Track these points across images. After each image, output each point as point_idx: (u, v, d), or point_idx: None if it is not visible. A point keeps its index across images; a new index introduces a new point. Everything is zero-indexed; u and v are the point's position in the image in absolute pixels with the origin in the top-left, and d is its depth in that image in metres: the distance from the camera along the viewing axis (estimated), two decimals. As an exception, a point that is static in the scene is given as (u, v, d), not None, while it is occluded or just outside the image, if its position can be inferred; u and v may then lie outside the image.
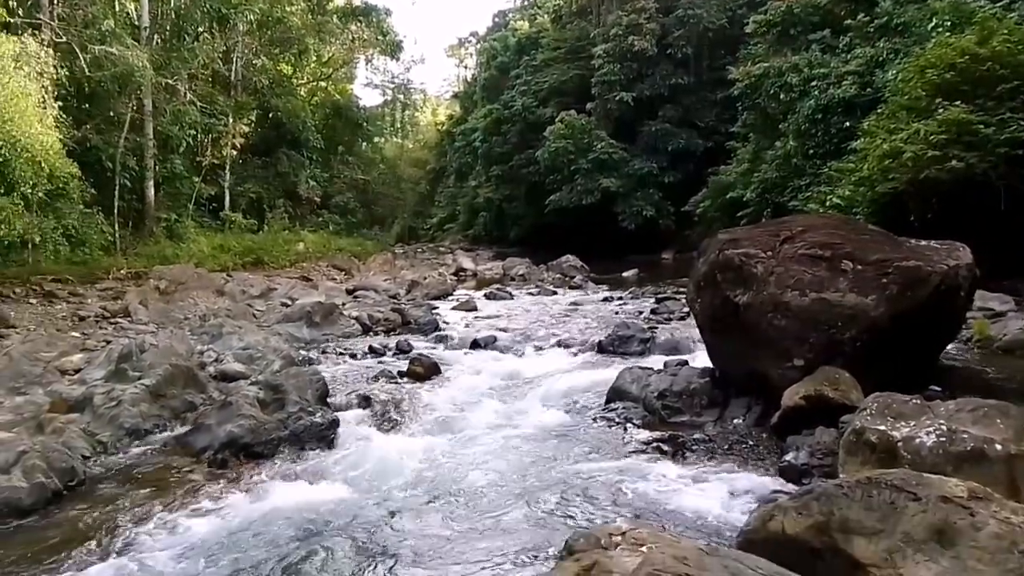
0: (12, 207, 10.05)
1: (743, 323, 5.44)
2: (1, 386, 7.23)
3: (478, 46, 52.32)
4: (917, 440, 3.38)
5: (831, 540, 2.60)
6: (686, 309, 9.45)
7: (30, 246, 11.55)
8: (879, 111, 13.33)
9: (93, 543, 4.12)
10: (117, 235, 15.16)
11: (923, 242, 5.54)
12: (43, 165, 10.57)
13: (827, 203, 12.84)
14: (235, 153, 22.10)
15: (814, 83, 17.42)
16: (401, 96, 46.63)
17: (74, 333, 9.87)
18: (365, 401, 6.95)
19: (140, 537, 4.17)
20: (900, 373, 4.85)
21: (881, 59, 16.04)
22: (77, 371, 7.71)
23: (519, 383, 7.52)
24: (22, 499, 4.66)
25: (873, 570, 2.46)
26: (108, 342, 8.82)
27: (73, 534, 4.27)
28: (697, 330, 6.74)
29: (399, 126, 50.17)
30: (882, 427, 3.54)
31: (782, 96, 18.53)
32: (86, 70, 14.26)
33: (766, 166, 19.14)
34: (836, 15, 19.33)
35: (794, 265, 5.23)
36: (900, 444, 3.40)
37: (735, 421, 5.54)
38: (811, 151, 17.21)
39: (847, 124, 15.86)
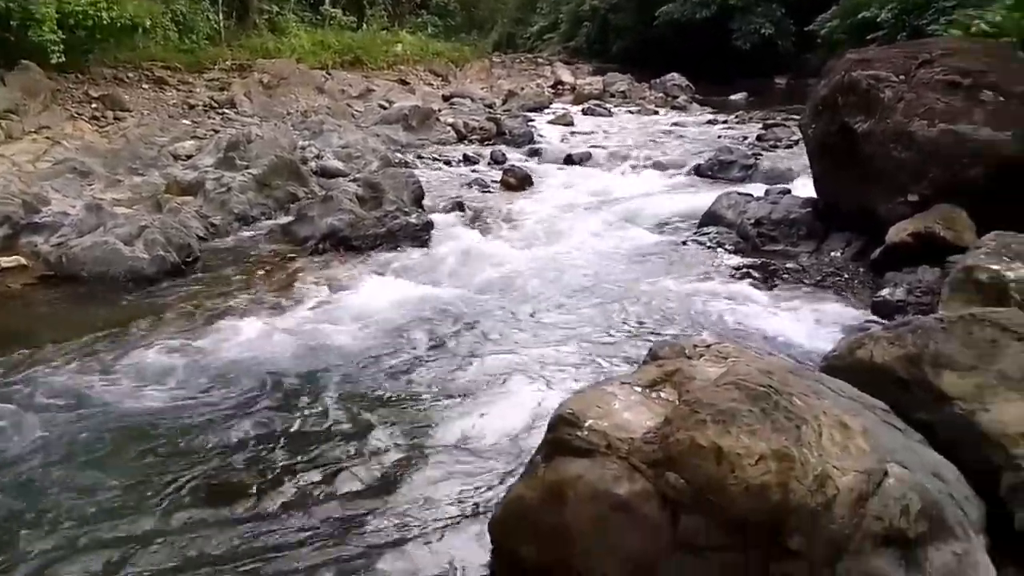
0: (121, -11, 10.14)
1: (859, 153, 5.11)
2: (120, 166, 7.71)
3: None
4: (1032, 283, 3.22)
5: (920, 372, 2.55)
6: (795, 137, 8.96)
7: (140, 31, 11.69)
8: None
9: (209, 313, 4.51)
10: (222, 24, 15.18)
11: (1080, 76, 4.94)
12: (150, -53, 10.48)
13: (972, 29, 11.47)
14: (335, -57, 21.23)
15: None
16: None
17: (185, 120, 10.22)
18: (458, 207, 7.09)
19: (249, 311, 4.54)
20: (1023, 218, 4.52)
21: None
22: (189, 157, 8.07)
23: (612, 201, 7.45)
24: (144, 268, 5.11)
25: (959, 403, 2.43)
26: (216, 131, 9.12)
27: (192, 303, 4.69)
28: (805, 158, 6.41)
29: (505, -79, 46.77)
30: (996, 266, 3.36)
31: (940, -100, 16.11)
32: None
33: (909, -17, 17.07)
34: None
35: (927, 92, 4.78)
36: (1012, 284, 3.23)
37: (832, 254, 5.39)
38: (964, -33, 15.19)
39: (1012, -63, 13.78)
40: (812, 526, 1.87)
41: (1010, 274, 3.30)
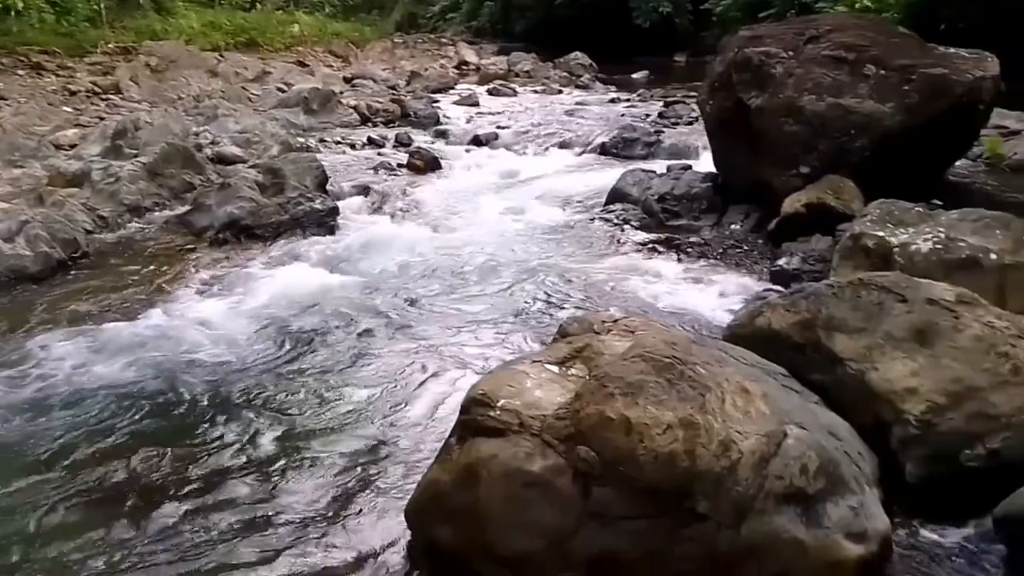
0: (-12, -32, 9.42)
1: (754, 128, 5.28)
2: (-3, 158, 7.16)
3: None
4: (913, 247, 3.40)
5: (814, 336, 2.68)
6: (695, 114, 9.19)
7: (13, 14, 10.92)
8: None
9: (100, 310, 4.26)
10: (103, 6, 14.30)
11: (951, 50, 5.26)
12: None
13: (857, 5, 12.05)
14: (224, -81, 20.29)
15: None
16: None
17: (66, 108, 9.61)
18: (364, 191, 6.95)
19: (144, 306, 4.32)
20: (905, 187, 4.78)
21: None
22: (72, 146, 7.61)
23: (519, 181, 7.47)
24: (27, 267, 4.77)
25: (850, 363, 2.56)
26: (102, 118, 8.63)
27: (81, 301, 4.41)
28: (704, 135, 6.59)
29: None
30: (880, 233, 3.55)
31: None
32: None
33: (797, -38, 17.70)
34: None
35: (815, 67, 4.98)
36: (896, 250, 3.43)
37: (732, 227, 5.55)
38: (847, -53, 15.85)
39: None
40: (718, 489, 1.93)
41: (893, 240, 3.49)
